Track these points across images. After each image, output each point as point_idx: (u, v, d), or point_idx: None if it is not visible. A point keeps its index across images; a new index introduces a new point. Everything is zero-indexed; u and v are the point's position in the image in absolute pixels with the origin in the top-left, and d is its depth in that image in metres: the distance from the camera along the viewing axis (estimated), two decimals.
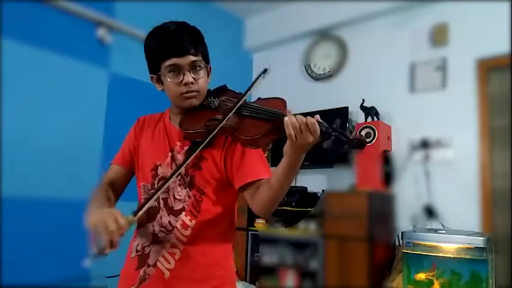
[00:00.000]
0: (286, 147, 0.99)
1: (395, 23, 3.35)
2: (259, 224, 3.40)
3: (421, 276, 2.51)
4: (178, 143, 1.19)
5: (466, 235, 2.45)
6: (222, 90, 1.21)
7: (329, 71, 3.69)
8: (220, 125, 1.06)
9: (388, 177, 2.98)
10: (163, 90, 1.18)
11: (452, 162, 2.94)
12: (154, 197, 1.04)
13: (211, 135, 1.07)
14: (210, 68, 1.22)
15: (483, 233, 2.65)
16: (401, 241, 2.71)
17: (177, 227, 1.14)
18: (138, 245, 1.19)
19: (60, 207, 2.60)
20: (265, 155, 3.39)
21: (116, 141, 1.37)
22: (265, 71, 1.11)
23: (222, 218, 1.18)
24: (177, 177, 1.13)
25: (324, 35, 3.76)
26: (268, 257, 3.23)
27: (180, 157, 1.18)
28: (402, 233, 2.67)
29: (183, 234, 1.13)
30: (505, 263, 2.62)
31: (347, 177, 3.10)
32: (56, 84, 2.69)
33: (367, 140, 2.91)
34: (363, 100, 3.22)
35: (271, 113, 1.04)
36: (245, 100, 1.12)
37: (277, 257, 3.19)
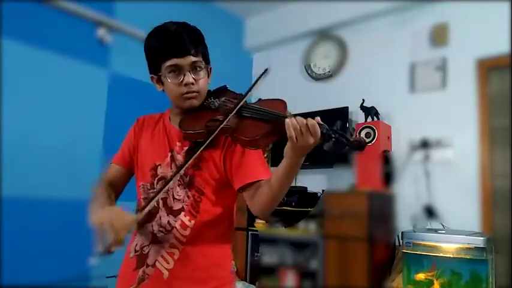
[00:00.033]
0: (287, 149, 1.00)
1: (395, 23, 3.34)
2: (259, 224, 3.39)
3: (421, 276, 2.51)
4: (178, 143, 1.20)
5: (466, 235, 2.45)
6: (222, 91, 1.21)
7: (329, 71, 3.69)
8: (221, 126, 1.06)
9: (388, 177, 2.98)
10: (163, 90, 1.18)
11: (452, 162, 2.93)
12: (158, 196, 1.05)
13: (212, 136, 1.07)
14: (211, 69, 1.22)
15: (483, 233, 2.65)
16: (401, 241, 2.71)
17: (176, 227, 1.14)
18: (136, 245, 1.20)
19: (60, 207, 2.60)
20: (265, 156, 3.40)
21: (116, 141, 1.37)
22: (265, 71, 1.11)
23: (221, 218, 1.18)
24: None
25: (324, 35, 3.76)
26: (268, 257, 3.23)
27: (179, 157, 1.18)
28: (402, 233, 2.67)
29: (182, 235, 1.13)
30: (505, 263, 2.62)
31: (347, 177, 3.09)
32: (56, 84, 2.69)
33: (367, 140, 2.91)
34: (363, 100, 3.21)
35: (272, 114, 1.04)
36: (245, 101, 1.12)
37: (277, 257, 3.18)
